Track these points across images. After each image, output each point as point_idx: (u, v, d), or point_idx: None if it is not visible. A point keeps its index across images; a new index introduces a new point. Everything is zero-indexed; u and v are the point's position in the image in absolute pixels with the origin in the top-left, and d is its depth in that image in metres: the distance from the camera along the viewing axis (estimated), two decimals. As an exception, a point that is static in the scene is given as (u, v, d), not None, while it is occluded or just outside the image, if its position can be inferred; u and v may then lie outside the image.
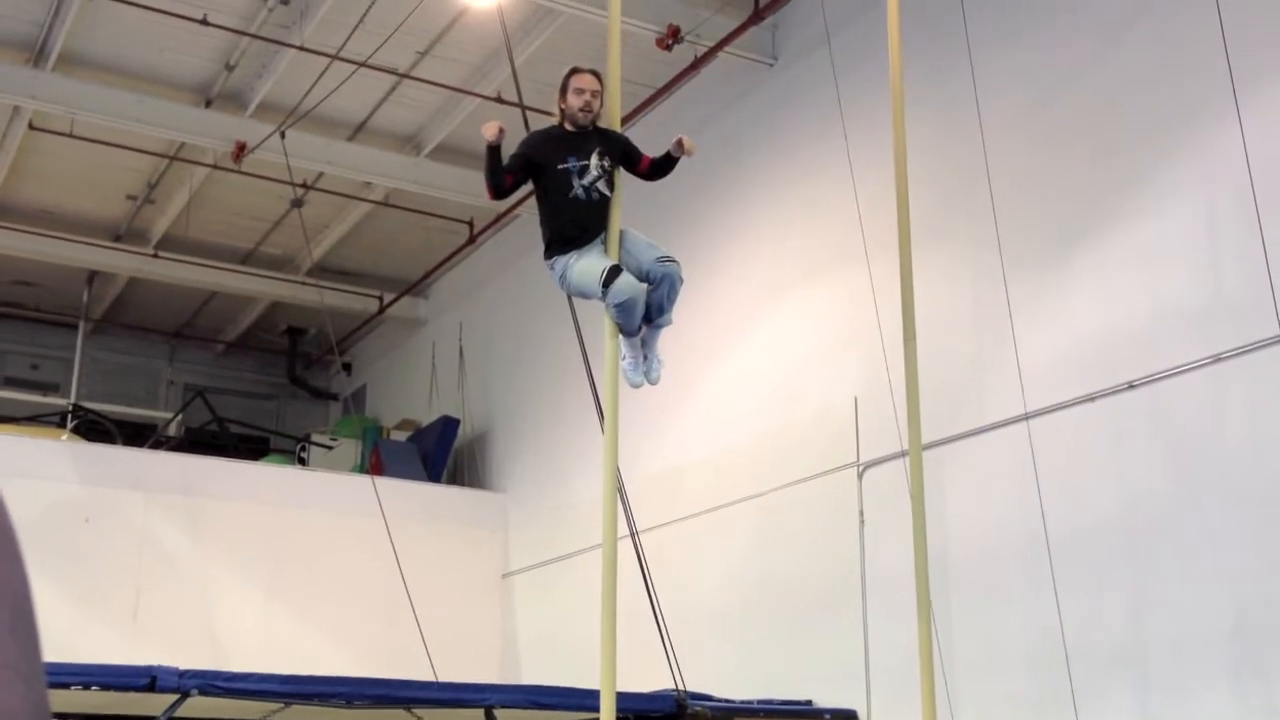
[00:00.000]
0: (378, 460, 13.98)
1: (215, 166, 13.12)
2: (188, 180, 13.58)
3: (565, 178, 5.91)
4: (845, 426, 9.05)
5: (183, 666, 7.06)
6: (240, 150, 12.16)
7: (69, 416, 14.78)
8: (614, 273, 5.82)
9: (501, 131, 5.76)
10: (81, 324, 16.35)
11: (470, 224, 14.36)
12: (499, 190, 5.98)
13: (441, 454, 14.21)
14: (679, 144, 6.12)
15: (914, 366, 7.04)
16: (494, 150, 5.80)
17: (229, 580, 11.91)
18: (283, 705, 7.43)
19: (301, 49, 10.97)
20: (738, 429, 10.16)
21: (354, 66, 10.98)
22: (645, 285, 5.95)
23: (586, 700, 6.84)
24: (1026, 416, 7.60)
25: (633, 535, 7.85)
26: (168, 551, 11.81)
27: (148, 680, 6.82)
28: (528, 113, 8.95)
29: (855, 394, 9.02)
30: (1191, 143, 7.13)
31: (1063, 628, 7.04)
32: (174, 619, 11.37)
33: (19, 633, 0.78)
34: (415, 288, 15.87)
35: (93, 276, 15.97)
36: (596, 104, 6.04)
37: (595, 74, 6.08)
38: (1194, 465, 6.75)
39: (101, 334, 17.22)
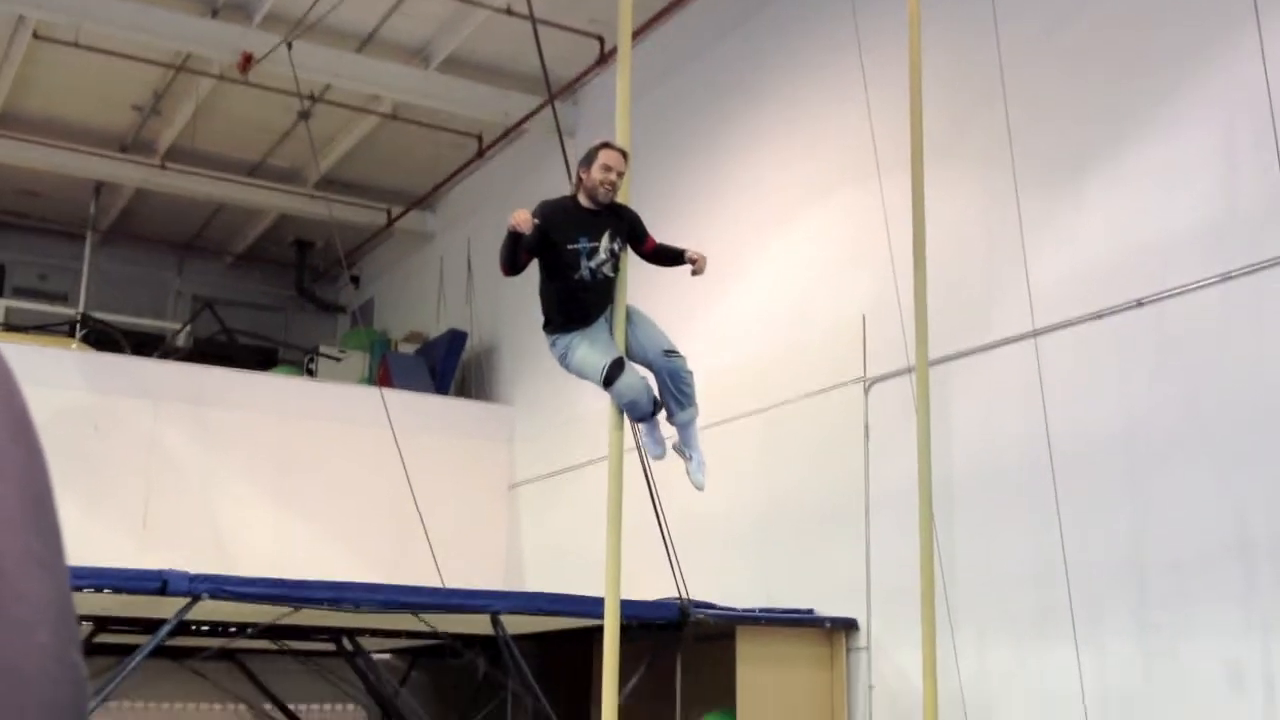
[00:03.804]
0: (385, 372, 14.03)
1: (221, 78, 13.04)
2: (194, 91, 13.50)
3: (574, 258, 5.77)
4: (853, 342, 9.07)
5: (193, 571, 7.15)
6: (246, 61, 12.06)
7: (78, 326, 14.82)
8: (615, 370, 5.71)
9: (533, 226, 5.63)
10: (89, 235, 16.34)
11: (479, 138, 14.29)
12: (515, 269, 5.81)
13: (449, 367, 14.26)
14: (694, 259, 6.06)
15: (923, 283, 7.05)
16: (517, 237, 5.67)
17: (238, 488, 12.03)
18: (292, 609, 7.54)
19: (309, -44, 10.86)
20: (746, 344, 10.19)
21: (363, -25, 10.87)
22: (648, 381, 5.86)
23: (591, 607, 6.93)
24: (1034, 334, 7.61)
25: (639, 447, 7.90)
26: (177, 460, 11.91)
27: (159, 584, 6.91)
28: (538, 26, 8.86)
29: (864, 310, 9.03)
30: (1210, 63, 7.06)
31: (1063, 544, 7.11)
32: (183, 526, 11.49)
33: (42, 526, 0.80)
34: (423, 201, 15.83)
35: (99, 187, 15.92)
36: (620, 184, 5.92)
37: (624, 153, 5.94)
38: (1200, 383, 6.77)
39: (109, 245, 17.20)
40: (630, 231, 6.00)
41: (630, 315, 5.97)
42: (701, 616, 8.06)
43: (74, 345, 13.29)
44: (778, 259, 10.15)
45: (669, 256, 6.19)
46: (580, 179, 5.92)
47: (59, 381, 11.54)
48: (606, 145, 5.95)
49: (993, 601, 7.68)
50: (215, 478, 11.98)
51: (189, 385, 12.32)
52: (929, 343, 7.07)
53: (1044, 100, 7.99)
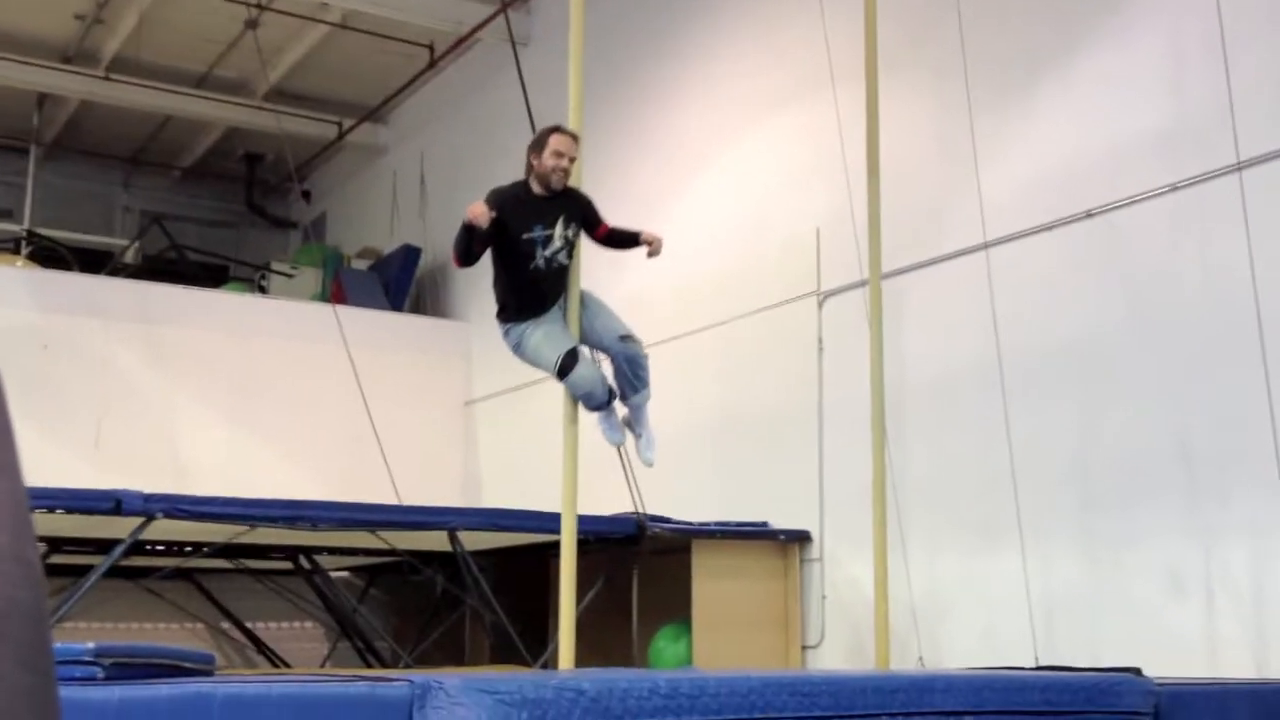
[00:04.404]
0: (339, 289, 13.93)
1: (166, -16, 12.73)
2: (138, -1, 13.20)
3: (529, 247, 5.65)
4: (807, 256, 9.08)
5: (147, 490, 7.11)
6: (191, -32, 11.78)
7: (23, 243, 14.59)
8: (570, 360, 5.62)
9: (490, 219, 5.47)
10: (33, 148, 16.02)
11: (431, 48, 14.06)
12: (470, 260, 5.71)
13: (403, 283, 14.17)
14: (649, 241, 5.97)
15: (876, 196, 7.04)
16: (472, 229, 5.52)
17: (191, 407, 11.95)
18: (248, 527, 7.54)
19: None
20: (701, 259, 10.16)
21: (307, -120, 10.60)
22: (602, 370, 5.76)
23: (548, 523, 6.97)
24: (985, 246, 7.64)
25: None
26: (128, 378, 11.80)
27: (112, 503, 6.87)
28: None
29: (818, 224, 9.02)
30: (1161, -31, 7.03)
31: (1011, 452, 7.20)
32: (136, 446, 11.42)
33: None
34: (375, 114, 15.60)
35: (43, 99, 15.59)
36: (571, 169, 5.77)
37: (574, 137, 5.79)
38: (1147, 293, 6.83)
39: (54, 159, 16.87)
40: (584, 216, 5.89)
41: (585, 301, 5.88)
42: (657, 530, 8.13)
43: (20, 263, 13.08)
44: (732, 171, 10.10)
45: (624, 240, 6.11)
46: (531, 165, 5.76)
47: (6, 300, 11.38)
48: (556, 130, 5.81)
49: (943, 511, 7.79)
50: (168, 396, 11.90)
51: (140, 303, 12.17)
52: (882, 256, 7.09)
53: (997, 7, 7.94)
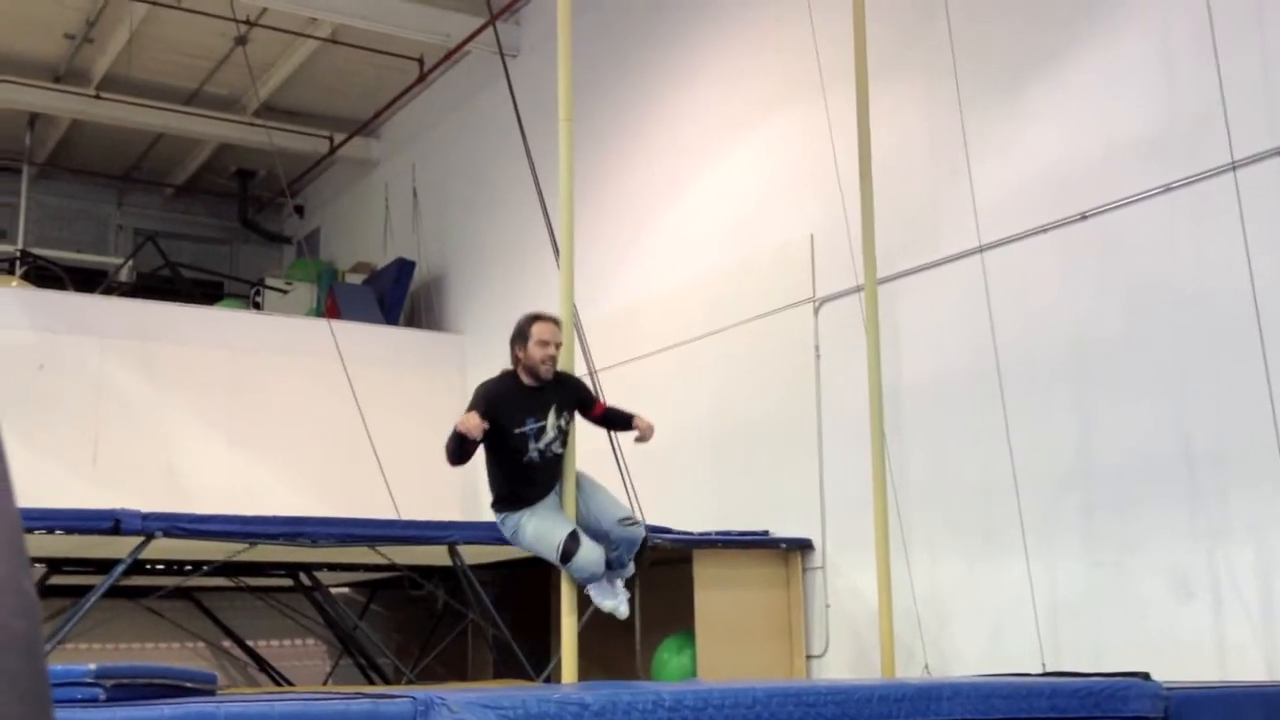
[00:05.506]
0: (333, 303, 13.91)
1: (155, 2, 12.72)
2: (127, 17, 13.18)
3: (522, 441, 5.55)
4: (802, 262, 9.06)
5: (145, 510, 7.09)
6: (180, -15, 11.77)
7: (17, 263, 14.58)
8: (572, 546, 5.50)
9: (483, 430, 5.39)
10: (25, 168, 16.01)
11: (420, 61, 14.07)
12: (463, 461, 5.62)
13: (398, 296, 14.15)
14: (640, 427, 5.86)
15: (869, 201, 7.04)
16: (464, 436, 5.44)
17: (188, 424, 11.92)
18: (248, 545, 7.51)
19: (239, -123, 10.56)
20: (695, 266, 10.16)
21: (295, -104, 10.59)
22: (603, 549, 5.64)
23: (548, 535, 6.93)
24: (980, 249, 7.63)
25: (591, 373, 7.89)
26: (125, 397, 11.78)
27: (111, 523, 6.85)
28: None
29: (811, 230, 9.01)
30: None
31: (1012, 456, 7.18)
32: (134, 464, 11.40)
33: None
34: (366, 128, 15.60)
35: (34, 119, 15.58)
36: (559, 355, 5.67)
37: (557, 322, 5.71)
38: (1143, 294, 6.81)
39: (47, 178, 16.87)
40: (577, 401, 5.80)
41: (580, 484, 5.77)
42: (658, 541, 8.09)
43: (15, 283, 13.06)
44: (725, 178, 10.09)
45: (617, 421, 6.01)
46: (517, 357, 5.66)
47: (1, 320, 11.36)
48: (537, 318, 5.69)
49: (944, 517, 7.76)
50: (165, 414, 11.87)
51: (135, 321, 12.16)
52: (877, 261, 7.08)
53: (986, 9, 7.94)
